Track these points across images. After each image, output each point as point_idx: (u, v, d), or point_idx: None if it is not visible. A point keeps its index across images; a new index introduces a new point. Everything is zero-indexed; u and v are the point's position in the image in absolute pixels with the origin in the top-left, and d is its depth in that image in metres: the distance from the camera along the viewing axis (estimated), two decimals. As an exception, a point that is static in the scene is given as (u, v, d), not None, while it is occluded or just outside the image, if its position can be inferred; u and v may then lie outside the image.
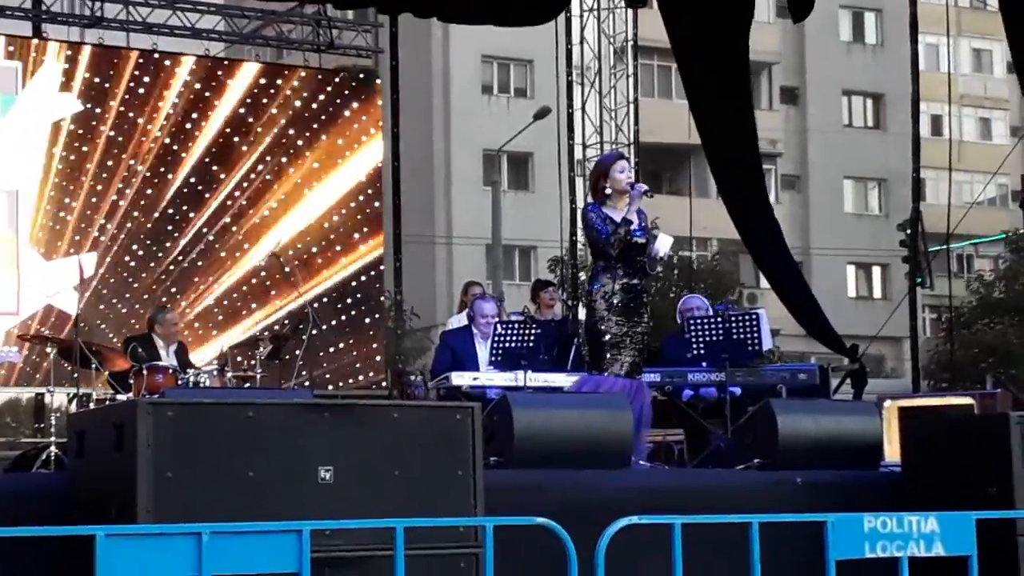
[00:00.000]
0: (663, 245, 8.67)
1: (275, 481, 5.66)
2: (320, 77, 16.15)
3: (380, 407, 6.26)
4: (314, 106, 15.96)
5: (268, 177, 15.71)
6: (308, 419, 5.86)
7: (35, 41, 14.79)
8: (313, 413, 5.89)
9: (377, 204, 16.29)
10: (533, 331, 10.17)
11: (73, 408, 11.09)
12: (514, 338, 10.16)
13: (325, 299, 15.60)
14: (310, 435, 5.81)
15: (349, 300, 15.94)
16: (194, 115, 15.40)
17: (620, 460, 7.52)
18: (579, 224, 15.48)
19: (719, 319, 10.06)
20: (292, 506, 5.50)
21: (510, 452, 7.41)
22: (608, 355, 8.54)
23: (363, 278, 16.10)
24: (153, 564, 4.51)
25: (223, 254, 15.50)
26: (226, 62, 16.10)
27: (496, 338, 10.23)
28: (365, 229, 16.13)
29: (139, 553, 4.48)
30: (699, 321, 10.14)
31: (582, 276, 18.56)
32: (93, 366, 10.60)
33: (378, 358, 16.12)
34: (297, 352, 11.90)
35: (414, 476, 5.93)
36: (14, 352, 11.97)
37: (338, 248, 15.98)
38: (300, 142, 15.87)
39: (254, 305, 15.47)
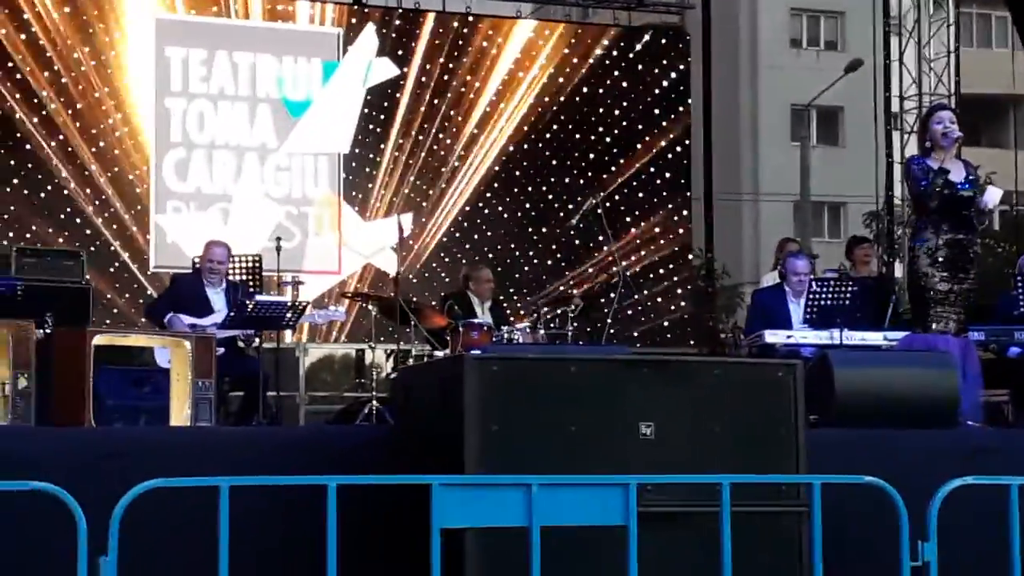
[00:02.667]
0: (992, 197, 8.33)
1: (596, 436, 5.67)
2: (629, 35, 16.14)
3: (701, 363, 6.20)
4: (623, 64, 15.98)
5: (577, 137, 15.81)
6: (628, 375, 5.84)
7: (354, 7, 15.24)
8: (633, 369, 5.87)
9: (685, 162, 16.21)
10: (849, 288, 9.96)
11: (391, 364, 11.42)
12: (829, 295, 9.97)
13: (634, 257, 15.63)
14: (630, 391, 5.80)
15: (658, 258, 15.93)
16: (505, 77, 15.61)
17: (947, 419, 7.27)
18: (896, 178, 15.04)
19: (1050, 275, 9.62)
20: (614, 461, 5.50)
21: (830, 410, 7.26)
22: (932, 312, 8.27)
23: (671, 236, 16.06)
24: (484, 513, 4.59)
25: (533, 213, 15.68)
26: (536, 23, 16.24)
27: (811, 296, 10.06)
28: (674, 187, 16.07)
29: (471, 502, 4.56)
30: (1029, 276, 9.72)
31: (898, 232, 18.04)
32: (411, 323, 10.87)
33: (687, 316, 16.07)
34: (606, 311, 11.94)
35: (735, 433, 5.85)
36: (340, 311, 12.42)
37: (647, 207, 15.97)
38: (609, 101, 15.91)
39: (564, 264, 15.61)
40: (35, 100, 13.99)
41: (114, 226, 14.26)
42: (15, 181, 13.90)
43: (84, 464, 5.78)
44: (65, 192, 14.11)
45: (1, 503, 4.37)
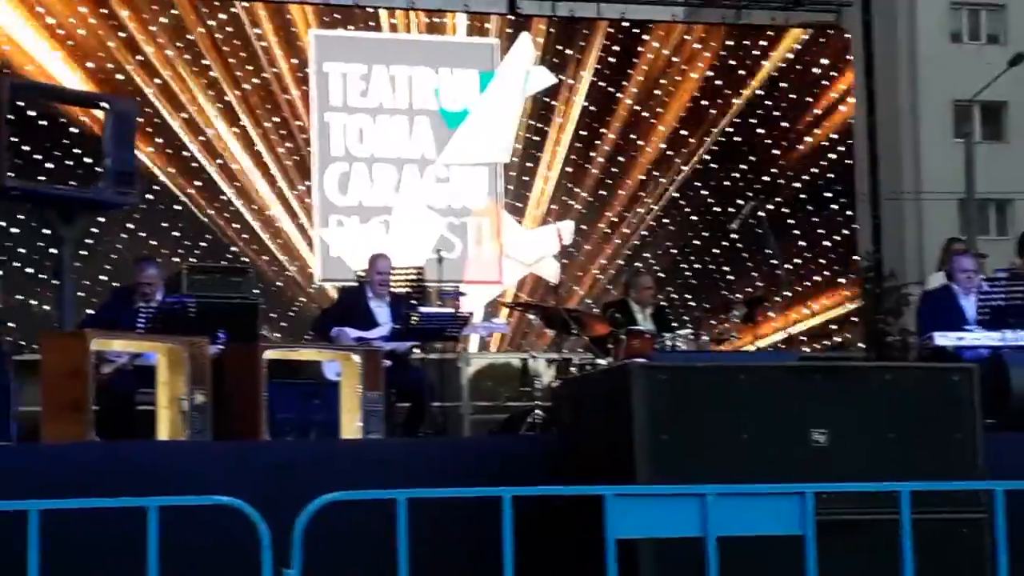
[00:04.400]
0: None
1: (769, 444, 5.63)
2: (786, 35, 15.97)
3: (872, 368, 6.13)
4: (782, 64, 15.82)
5: (737, 139, 15.69)
6: (799, 382, 5.79)
7: (511, 18, 15.32)
8: (804, 376, 5.83)
9: (848, 162, 15.98)
10: (1022, 287, 9.71)
11: (552, 373, 11.42)
12: (1002, 295, 9.73)
13: (798, 260, 15.45)
14: (802, 398, 5.75)
15: (823, 260, 15.72)
16: (662, 81, 15.56)
17: None
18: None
19: None
20: (787, 469, 5.44)
21: (1006, 413, 7.10)
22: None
23: (836, 238, 15.84)
24: (658, 523, 4.58)
25: (694, 218, 15.59)
26: (692, 26, 16.15)
27: (982, 296, 9.83)
28: (837, 188, 15.85)
29: (645, 512, 4.56)
30: None
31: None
32: (573, 332, 10.86)
33: (854, 318, 15.82)
34: (771, 314, 11.81)
35: (910, 439, 5.76)
36: (503, 324, 12.47)
37: (809, 209, 15.77)
38: (768, 102, 15.76)
39: (726, 268, 15.49)
40: (200, 119, 14.30)
41: (279, 241, 14.52)
42: (183, 200, 14.21)
43: (263, 478, 5.89)
44: (232, 209, 14.39)
45: (187, 517, 4.47)
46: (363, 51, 14.89)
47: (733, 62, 15.73)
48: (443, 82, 15.00)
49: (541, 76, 15.25)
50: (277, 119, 14.56)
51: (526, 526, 4.84)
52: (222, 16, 14.45)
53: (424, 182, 14.92)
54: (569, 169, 15.25)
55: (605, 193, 15.36)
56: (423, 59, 14.99)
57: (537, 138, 15.22)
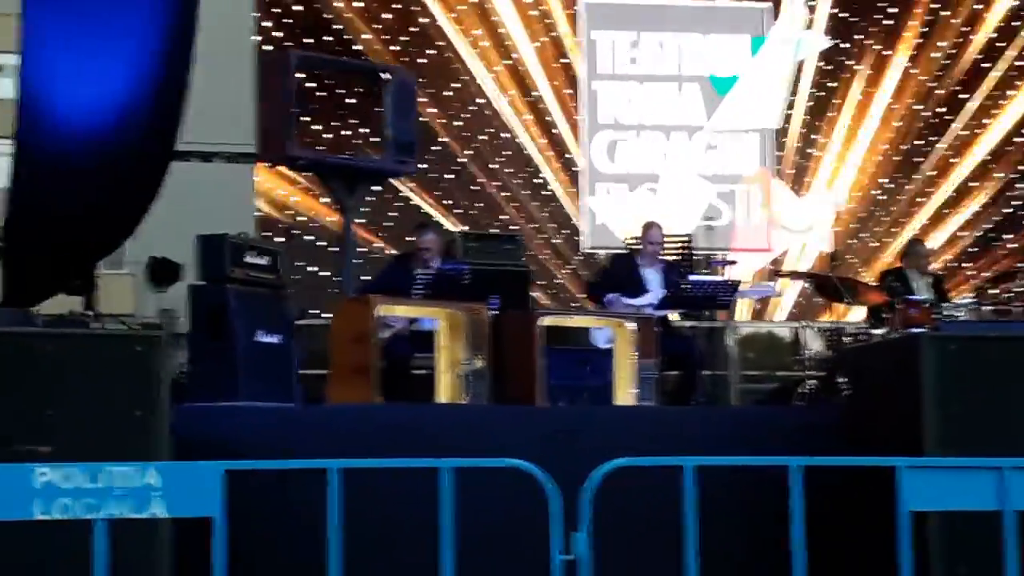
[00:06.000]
0: None
1: (1065, 417, 5.44)
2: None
3: None
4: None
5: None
6: (1098, 351, 5.57)
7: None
8: (1103, 345, 5.60)
9: None
10: None
11: (821, 343, 11.25)
12: None
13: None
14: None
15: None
16: (941, 43, 15.11)
17: None
18: None
19: None
20: (1085, 442, 5.26)
21: None
22: None
23: None
24: (952, 496, 4.47)
25: (972, 184, 15.13)
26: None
27: None
28: None
29: (937, 485, 4.46)
30: None
31: None
32: (845, 300, 10.67)
33: None
34: (1055, 283, 11.34)
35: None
36: (773, 286, 12.33)
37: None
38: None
39: (1006, 236, 14.99)
40: (472, 87, 14.53)
41: (547, 209, 14.66)
42: (454, 170, 14.47)
43: (543, 442, 5.96)
44: (500, 178, 14.59)
45: (474, 478, 4.55)
46: (632, 19, 14.87)
47: (1016, 23, 15.17)
48: (712, 48, 14.88)
49: (814, 40, 14.99)
50: (546, 87, 14.68)
51: (811, 496, 4.78)
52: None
53: (692, 149, 14.85)
54: (844, 135, 14.98)
55: (881, 159, 15.02)
56: (693, 25, 14.89)
57: (811, 103, 14.98)
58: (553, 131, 14.72)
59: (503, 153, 14.60)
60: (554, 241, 14.64)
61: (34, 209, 8.17)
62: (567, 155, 14.73)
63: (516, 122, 14.61)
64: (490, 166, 14.57)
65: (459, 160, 14.50)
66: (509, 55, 14.61)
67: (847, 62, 15.03)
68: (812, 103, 14.98)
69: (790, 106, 14.93)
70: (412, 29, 14.40)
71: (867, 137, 15.02)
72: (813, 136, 14.97)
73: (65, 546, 4.30)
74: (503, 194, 14.58)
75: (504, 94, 14.57)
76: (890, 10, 15.05)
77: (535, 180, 14.66)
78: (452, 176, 14.46)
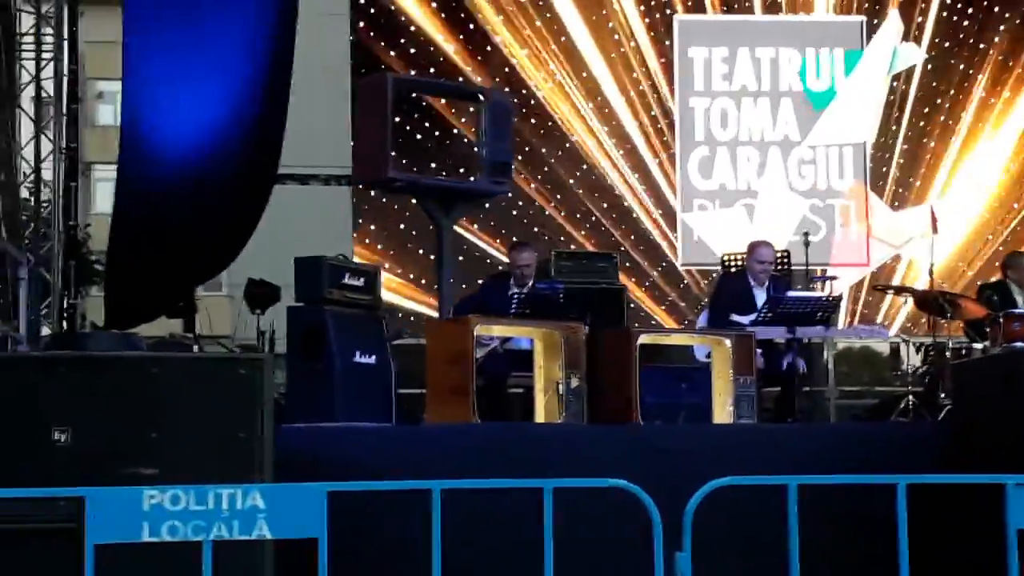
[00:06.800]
0: None
1: None
2: None
3: None
4: None
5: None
6: None
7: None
8: None
9: None
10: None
11: (920, 358, 11.10)
12: None
13: None
14: None
15: None
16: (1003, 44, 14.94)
17: None
18: None
19: None
20: None
21: None
22: None
23: None
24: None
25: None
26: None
27: None
28: None
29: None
30: None
31: None
32: (948, 315, 10.53)
33: None
34: None
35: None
36: (883, 329, 12.28)
37: None
38: None
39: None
40: (566, 104, 14.55)
41: (643, 226, 14.63)
42: (548, 186, 14.50)
43: (642, 461, 5.95)
44: (595, 194, 14.59)
45: (574, 498, 4.55)
46: (726, 34, 14.83)
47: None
48: (809, 63, 14.79)
49: (909, 53, 14.85)
50: (641, 102, 14.66)
51: (913, 513, 4.73)
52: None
53: (788, 164, 14.75)
54: (939, 146, 14.83)
55: (977, 169, 14.84)
56: (788, 40, 14.82)
57: (905, 115, 14.84)
58: (646, 146, 14.69)
59: (598, 169, 14.60)
60: (651, 258, 14.60)
61: (137, 234, 8.32)
62: (662, 171, 14.69)
63: (611, 139, 14.61)
64: (582, 184, 14.57)
65: (551, 177, 14.52)
66: (599, 69, 14.62)
67: (947, 75, 14.87)
68: (905, 115, 14.84)
69: (886, 118, 14.80)
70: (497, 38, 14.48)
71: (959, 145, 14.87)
72: (912, 148, 14.81)
73: (172, 568, 4.36)
74: (602, 206, 14.55)
75: (602, 113, 14.60)
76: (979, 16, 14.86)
77: (630, 197, 14.62)
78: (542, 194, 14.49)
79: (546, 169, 14.46)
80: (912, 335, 11.65)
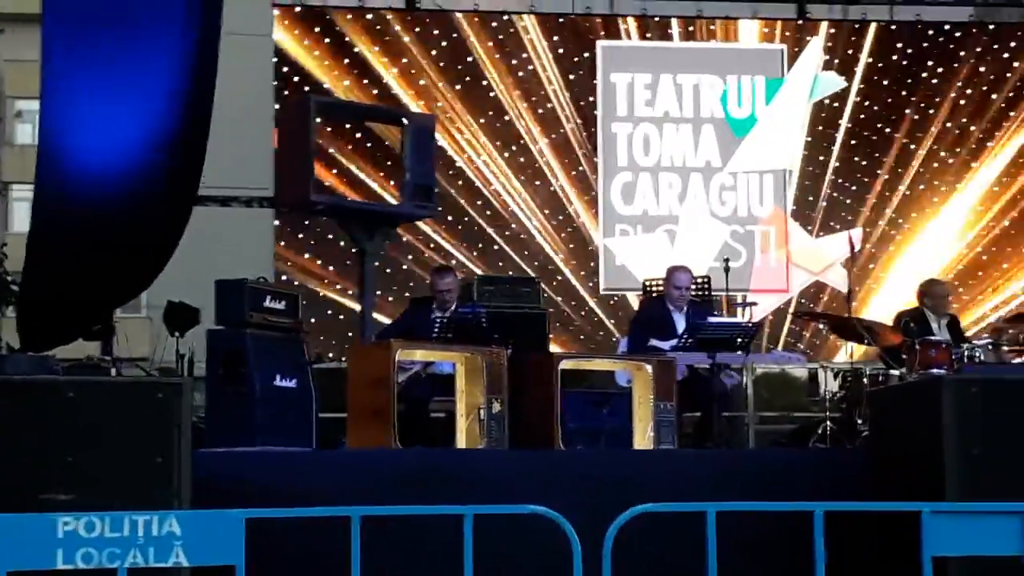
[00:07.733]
0: None
1: (1089, 460, 5.41)
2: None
3: None
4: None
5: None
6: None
7: (799, 23, 15.12)
8: None
9: None
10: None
11: (838, 383, 11.19)
12: None
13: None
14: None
15: None
16: (934, 81, 15.11)
17: None
18: None
19: None
20: None
21: None
22: None
23: None
24: (975, 541, 4.45)
25: (990, 223, 15.11)
26: (984, 26, 15.61)
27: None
28: None
29: (961, 530, 4.44)
30: None
31: None
32: (865, 341, 10.63)
33: None
34: (1073, 324, 11.29)
35: None
36: (799, 356, 12.37)
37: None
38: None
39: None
40: (497, 126, 14.58)
41: (564, 251, 14.66)
42: (471, 211, 14.50)
43: (562, 487, 5.95)
44: (518, 218, 14.60)
45: (493, 524, 4.54)
46: (649, 61, 14.92)
47: (1016, 64, 15.19)
48: (730, 90, 14.91)
49: (829, 81, 15.01)
50: (562, 130, 14.72)
51: (832, 539, 4.76)
52: (501, 36, 14.71)
53: (710, 190, 14.85)
54: (857, 174, 14.98)
55: (892, 198, 15.01)
56: (710, 67, 14.93)
57: (824, 144, 14.99)
58: (571, 173, 14.74)
59: (517, 193, 14.62)
60: (572, 283, 14.63)
61: (53, 254, 8.21)
62: (585, 197, 14.74)
63: (529, 166, 14.65)
64: (507, 208, 14.58)
65: (478, 202, 14.51)
66: (529, 98, 14.65)
67: (859, 100, 15.02)
68: (825, 143, 14.98)
69: (806, 146, 14.94)
70: (421, 82, 14.46)
71: (883, 175, 15.04)
72: (826, 175, 14.95)
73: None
74: (520, 236, 14.58)
75: (516, 141, 14.63)
76: (908, 50, 15.07)
77: (553, 222, 14.65)
78: (466, 219, 14.48)
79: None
80: (829, 361, 11.73)
